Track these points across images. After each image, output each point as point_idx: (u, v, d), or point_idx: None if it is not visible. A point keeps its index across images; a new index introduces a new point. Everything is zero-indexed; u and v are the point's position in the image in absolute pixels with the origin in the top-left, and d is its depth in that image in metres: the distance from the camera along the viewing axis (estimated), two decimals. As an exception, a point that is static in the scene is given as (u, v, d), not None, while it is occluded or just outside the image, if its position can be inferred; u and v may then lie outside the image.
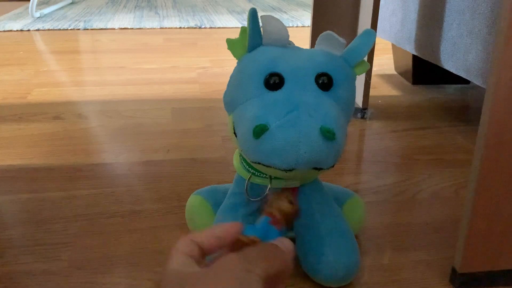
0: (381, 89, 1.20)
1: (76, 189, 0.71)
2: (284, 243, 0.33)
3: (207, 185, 0.61)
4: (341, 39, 0.48)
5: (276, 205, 0.38)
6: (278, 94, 0.45)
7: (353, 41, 0.48)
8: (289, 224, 0.38)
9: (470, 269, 0.50)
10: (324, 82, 0.46)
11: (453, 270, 0.51)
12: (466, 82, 1.25)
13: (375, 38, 0.47)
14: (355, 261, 0.49)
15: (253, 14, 0.45)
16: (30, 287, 0.51)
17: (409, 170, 0.78)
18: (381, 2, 1.17)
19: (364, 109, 1.00)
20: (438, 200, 0.69)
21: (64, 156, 0.81)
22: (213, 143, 0.87)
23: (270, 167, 0.43)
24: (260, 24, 0.47)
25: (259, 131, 0.42)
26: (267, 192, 0.49)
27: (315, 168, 0.43)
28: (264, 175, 0.50)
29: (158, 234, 0.60)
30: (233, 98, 0.48)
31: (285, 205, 0.38)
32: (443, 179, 0.75)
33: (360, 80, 0.98)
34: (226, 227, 0.34)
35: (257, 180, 0.51)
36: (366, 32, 0.47)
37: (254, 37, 0.47)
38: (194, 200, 0.58)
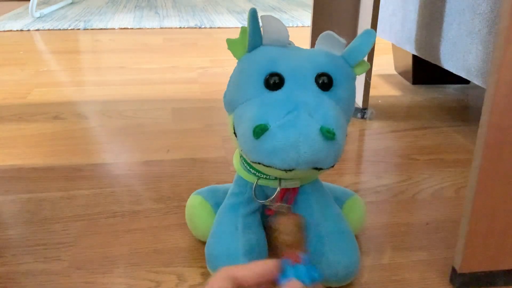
0: (381, 89, 1.20)
1: (76, 189, 0.71)
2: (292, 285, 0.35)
3: (207, 185, 0.61)
4: (341, 39, 0.48)
5: (282, 242, 0.38)
6: (278, 94, 0.45)
7: (353, 41, 0.48)
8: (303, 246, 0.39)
9: (470, 269, 0.50)
10: (324, 82, 0.46)
11: (453, 270, 0.51)
12: (466, 82, 1.25)
13: (375, 38, 0.47)
14: (355, 261, 0.49)
15: (253, 14, 0.45)
16: (30, 287, 0.51)
17: (409, 170, 0.78)
18: (381, 2, 1.17)
19: (364, 109, 1.00)
20: (438, 200, 0.69)
21: (64, 156, 0.81)
22: (213, 143, 0.87)
23: (270, 167, 0.43)
24: (260, 24, 0.47)
25: (259, 131, 0.42)
26: (275, 195, 0.49)
27: (315, 168, 0.43)
28: (270, 177, 0.50)
29: (158, 234, 0.60)
30: (233, 98, 0.48)
31: (287, 238, 0.38)
32: (443, 179, 0.75)
33: (360, 80, 0.98)
34: (266, 266, 0.35)
35: (264, 182, 0.50)
36: (366, 32, 0.47)
37: (254, 37, 0.47)
38: (194, 201, 0.58)
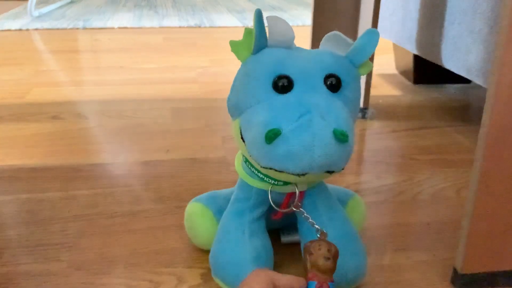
0: (382, 89, 1.20)
1: (75, 189, 0.70)
2: None
3: (207, 185, 0.60)
4: (349, 39, 0.47)
5: (314, 264, 0.40)
6: (288, 97, 0.44)
7: (357, 41, 0.47)
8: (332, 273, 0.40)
9: (471, 270, 0.50)
10: (333, 83, 0.45)
11: (454, 271, 0.51)
12: (467, 81, 1.24)
13: (379, 37, 0.47)
14: (363, 263, 0.49)
15: (258, 15, 0.44)
16: (29, 287, 0.51)
17: (410, 170, 0.78)
18: (382, 1, 1.16)
19: (364, 109, 1.00)
20: (439, 200, 0.69)
21: (63, 156, 0.81)
22: (213, 143, 0.87)
23: (283, 172, 0.42)
24: (266, 25, 0.46)
25: (272, 135, 0.41)
26: (296, 200, 0.49)
27: (328, 172, 0.43)
28: (281, 183, 0.49)
29: (157, 234, 0.60)
30: (239, 102, 0.47)
31: (321, 262, 0.39)
32: (444, 179, 0.75)
33: (361, 80, 0.98)
34: (300, 282, 0.37)
35: (276, 188, 0.50)
36: (369, 31, 0.46)
37: (260, 38, 0.46)
38: (194, 208, 0.56)
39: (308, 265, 0.40)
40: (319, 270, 0.39)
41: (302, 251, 0.42)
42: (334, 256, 0.40)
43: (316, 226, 0.46)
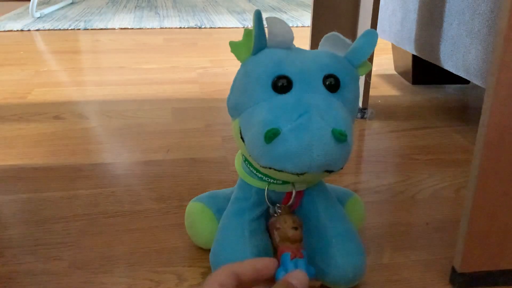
0: (381, 89, 1.20)
1: (76, 189, 0.71)
2: (298, 277, 0.36)
3: (207, 185, 0.61)
4: (347, 40, 0.48)
5: (284, 237, 0.41)
6: (287, 97, 0.44)
7: (355, 42, 0.47)
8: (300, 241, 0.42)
9: (470, 269, 0.50)
10: (332, 83, 0.45)
11: (453, 270, 0.51)
12: (466, 82, 1.25)
13: (378, 38, 0.47)
14: (362, 263, 0.49)
15: (258, 16, 0.44)
16: (30, 286, 0.51)
17: (409, 170, 0.79)
18: (381, 2, 1.17)
19: (364, 109, 1.00)
20: (438, 200, 0.69)
21: (64, 156, 0.82)
22: (213, 143, 0.88)
23: (282, 171, 0.42)
24: (265, 25, 0.46)
25: (272, 135, 0.41)
26: (292, 200, 0.49)
27: (327, 171, 0.43)
28: (277, 181, 0.49)
29: (158, 234, 0.60)
30: (239, 102, 0.47)
31: (291, 233, 0.41)
32: (443, 179, 0.76)
33: (360, 80, 0.98)
34: (266, 262, 0.36)
35: (275, 187, 0.50)
36: (368, 32, 0.47)
37: (260, 39, 0.46)
38: (194, 207, 0.56)
39: (277, 239, 0.41)
40: (290, 241, 0.40)
41: (268, 230, 0.44)
42: (300, 225, 0.42)
43: (277, 205, 0.48)
